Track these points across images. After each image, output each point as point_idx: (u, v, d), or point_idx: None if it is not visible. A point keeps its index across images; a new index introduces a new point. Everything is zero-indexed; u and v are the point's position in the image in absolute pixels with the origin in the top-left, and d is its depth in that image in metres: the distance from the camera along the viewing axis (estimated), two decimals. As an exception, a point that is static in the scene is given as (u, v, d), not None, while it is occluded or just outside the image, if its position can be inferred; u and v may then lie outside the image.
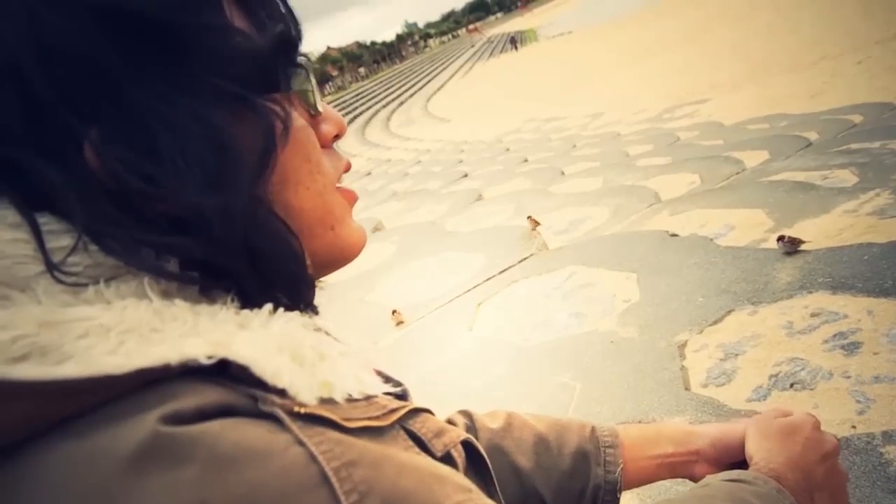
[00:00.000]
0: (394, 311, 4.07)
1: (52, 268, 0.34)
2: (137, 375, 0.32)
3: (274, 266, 0.40)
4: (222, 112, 0.37)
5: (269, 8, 0.42)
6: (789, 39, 13.15)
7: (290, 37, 0.43)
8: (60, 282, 0.34)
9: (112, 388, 0.32)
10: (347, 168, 0.49)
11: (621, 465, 0.70)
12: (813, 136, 6.19)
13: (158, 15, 0.36)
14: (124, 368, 0.32)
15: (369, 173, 15.51)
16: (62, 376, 0.31)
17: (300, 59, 0.44)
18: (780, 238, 3.01)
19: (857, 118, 6.66)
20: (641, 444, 0.72)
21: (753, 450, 0.68)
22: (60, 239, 0.35)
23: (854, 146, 5.10)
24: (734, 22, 18.22)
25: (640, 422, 0.76)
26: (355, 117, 33.44)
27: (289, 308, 0.40)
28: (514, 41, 44.99)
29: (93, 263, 0.36)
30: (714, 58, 14.53)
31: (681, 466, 0.71)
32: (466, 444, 0.48)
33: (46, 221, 0.35)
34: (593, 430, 0.73)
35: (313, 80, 0.45)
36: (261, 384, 0.34)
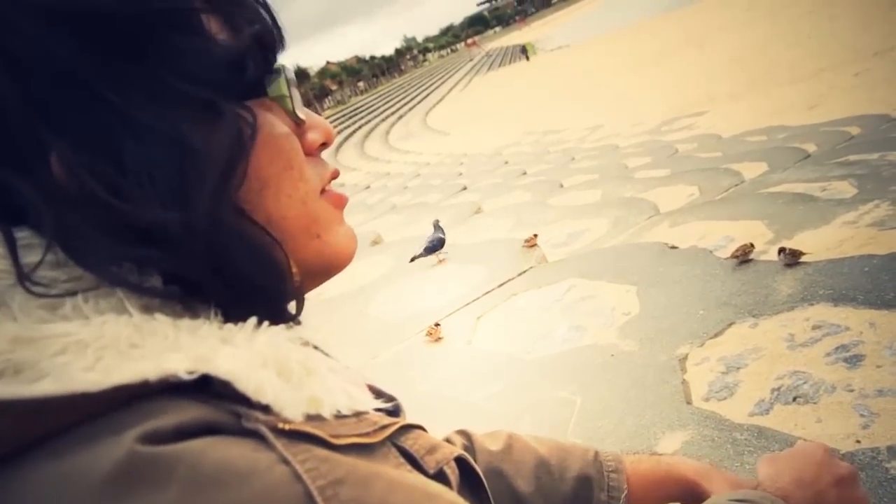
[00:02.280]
0: (436, 325, 3.67)
1: (23, 279, 0.33)
2: (115, 393, 0.31)
3: (252, 278, 0.39)
4: (191, 119, 0.36)
5: (247, 13, 0.41)
6: (787, 51, 13.24)
7: (265, 42, 0.42)
8: (34, 294, 0.33)
9: (89, 407, 0.31)
10: (334, 176, 0.48)
11: (625, 492, 0.68)
12: (811, 147, 6.20)
13: (128, 19, 0.35)
14: (101, 385, 0.31)
15: (368, 187, 15.53)
16: (37, 394, 0.30)
17: (278, 66, 0.43)
18: (781, 250, 3.00)
19: (854, 130, 6.68)
20: (648, 483, 0.70)
21: (762, 476, 0.66)
22: (37, 252, 0.34)
23: (852, 158, 5.11)
24: (732, 34, 18.35)
25: (652, 452, 0.74)
26: (354, 131, 33.55)
27: (274, 322, 0.39)
28: (524, 51, 50.52)
29: (70, 277, 0.35)
30: (712, 70, 14.62)
31: None
32: (460, 461, 0.47)
33: (25, 236, 0.35)
34: (596, 454, 0.71)
35: (292, 87, 0.43)
36: (244, 400, 0.33)
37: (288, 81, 0.42)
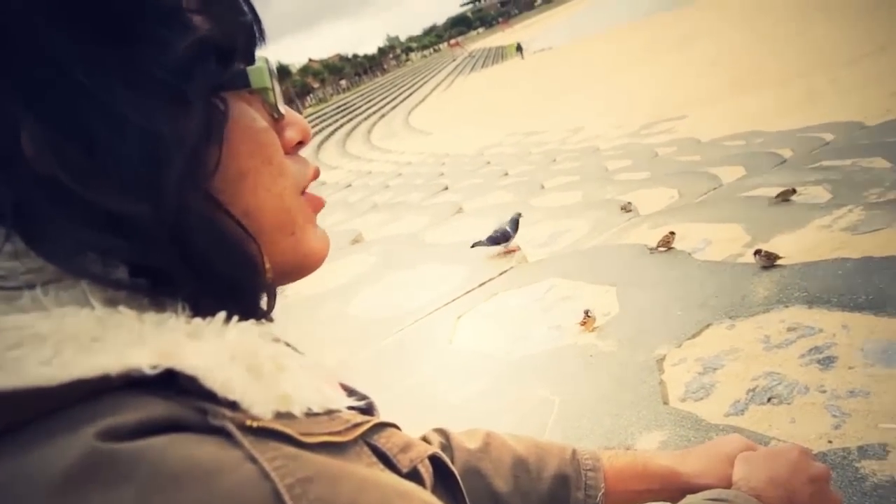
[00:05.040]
0: (587, 313, 3.16)
1: None
2: (73, 387, 0.30)
3: (223, 270, 0.38)
4: (164, 107, 0.35)
5: (227, 3, 0.40)
6: (764, 58, 13.46)
7: (245, 33, 0.42)
8: None
9: (46, 402, 0.30)
10: (316, 175, 0.48)
11: (602, 490, 0.69)
12: (787, 153, 6.31)
13: (108, 3, 0.34)
14: (58, 380, 0.29)
15: (350, 185, 15.46)
16: None
17: (260, 58, 0.43)
18: (757, 252, 3.05)
19: (829, 136, 6.81)
20: (627, 478, 0.71)
21: (737, 475, 0.67)
22: None
23: (826, 163, 5.20)
24: (712, 39, 18.60)
25: (627, 448, 0.75)
26: (336, 129, 33.39)
27: (244, 317, 0.38)
28: (520, 49, 50.44)
29: (29, 269, 0.33)
30: (692, 74, 14.81)
31: (665, 499, 0.71)
32: (435, 460, 0.47)
33: None
34: (574, 453, 0.71)
35: (274, 80, 0.43)
36: (211, 397, 0.32)
37: (270, 74, 0.42)
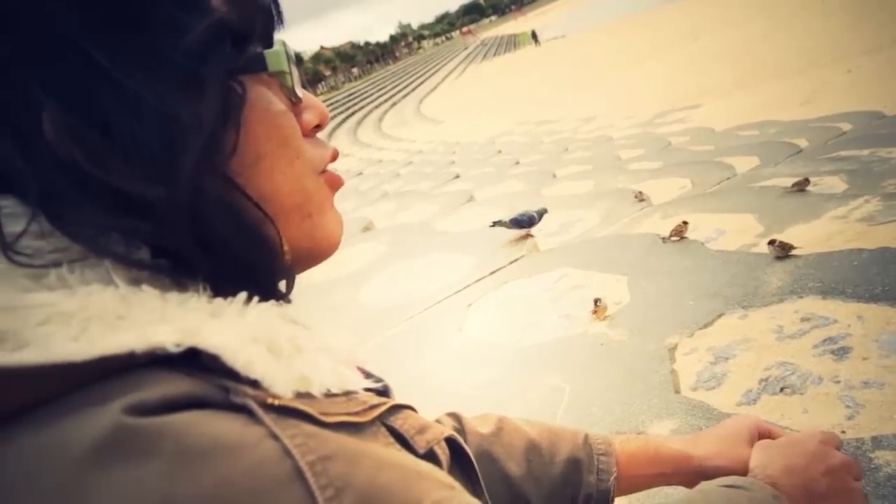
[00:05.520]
0: (597, 302, 3.11)
1: (5, 248, 0.33)
2: (100, 363, 0.30)
3: (241, 252, 0.39)
4: (181, 90, 0.36)
5: None
6: (780, 48, 13.27)
7: (265, 15, 0.42)
8: (17, 264, 0.33)
9: (73, 377, 0.30)
10: (334, 156, 0.48)
11: (615, 474, 0.69)
12: (803, 142, 6.23)
13: None
14: (86, 355, 0.30)
15: (361, 173, 15.46)
16: (19, 363, 0.29)
17: (278, 41, 0.43)
18: (772, 242, 3.02)
19: (846, 126, 6.71)
20: (639, 462, 0.71)
21: (754, 463, 0.67)
22: (20, 222, 0.34)
23: (843, 153, 5.13)
24: (725, 30, 18.36)
25: (639, 433, 0.75)
26: (347, 117, 33.36)
27: (264, 298, 0.38)
28: (535, 36, 50.23)
29: (56, 248, 0.34)
30: (706, 64, 14.64)
31: (678, 483, 0.71)
32: (451, 442, 0.47)
33: (8, 204, 0.34)
34: (586, 437, 0.71)
35: (292, 64, 0.43)
36: (233, 375, 0.33)
37: (288, 57, 0.42)
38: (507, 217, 4.68)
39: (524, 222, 4.56)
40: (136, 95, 0.34)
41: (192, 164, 0.35)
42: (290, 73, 0.43)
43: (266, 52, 0.41)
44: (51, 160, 0.34)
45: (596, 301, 3.10)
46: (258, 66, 0.41)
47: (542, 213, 4.70)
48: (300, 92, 0.44)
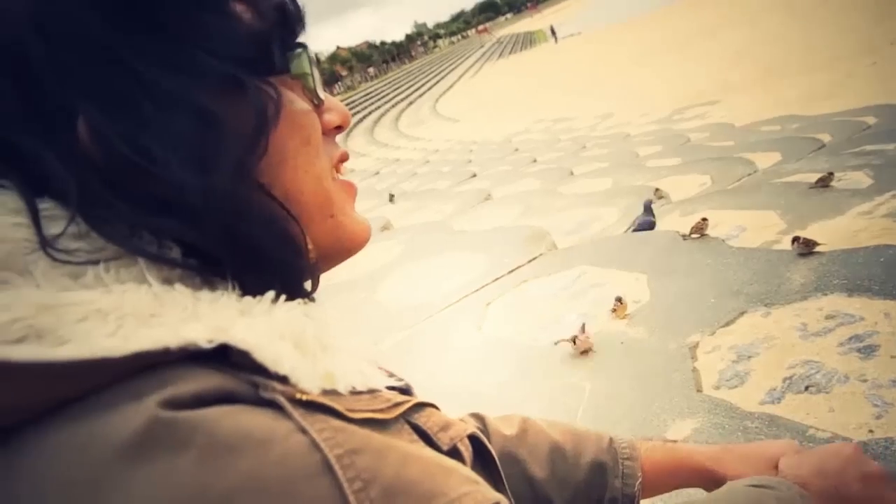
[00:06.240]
0: (619, 300, 3.06)
1: (46, 246, 0.34)
2: (135, 359, 0.31)
3: (268, 251, 0.40)
4: (214, 92, 0.37)
5: None
6: (801, 42, 13.07)
7: (287, 19, 0.43)
8: (57, 262, 0.34)
9: (110, 372, 0.31)
10: (344, 158, 0.49)
11: (640, 479, 0.68)
12: (826, 137, 6.14)
13: None
14: (122, 351, 0.31)
15: (377, 173, 15.51)
16: (59, 358, 0.30)
17: (301, 44, 0.44)
18: (795, 239, 2.97)
19: (870, 120, 6.60)
20: (663, 472, 0.70)
21: (783, 465, 0.66)
22: (60, 224, 0.35)
23: (868, 148, 5.04)
24: (746, 24, 18.12)
25: (663, 439, 0.74)
26: (364, 117, 33.50)
27: (290, 297, 0.39)
28: (553, 33, 49.77)
29: (93, 248, 0.35)
30: (725, 59, 14.46)
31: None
32: (473, 440, 0.47)
33: (48, 207, 0.35)
34: (611, 441, 0.71)
35: (314, 66, 0.44)
36: (262, 371, 0.33)
37: (310, 60, 0.44)
38: (630, 229, 4.38)
39: (644, 227, 4.26)
40: (173, 98, 0.36)
41: (229, 165, 0.37)
42: (312, 76, 0.44)
43: (290, 54, 0.43)
44: (85, 162, 0.35)
45: (618, 299, 3.06)
46: (282, 68, 0.42)
47: (648, 205, 4.34)
48: (322, 94, 0.45)
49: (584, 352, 2.84)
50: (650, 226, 4.26)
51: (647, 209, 4.34)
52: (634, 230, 4.28)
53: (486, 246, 5.01)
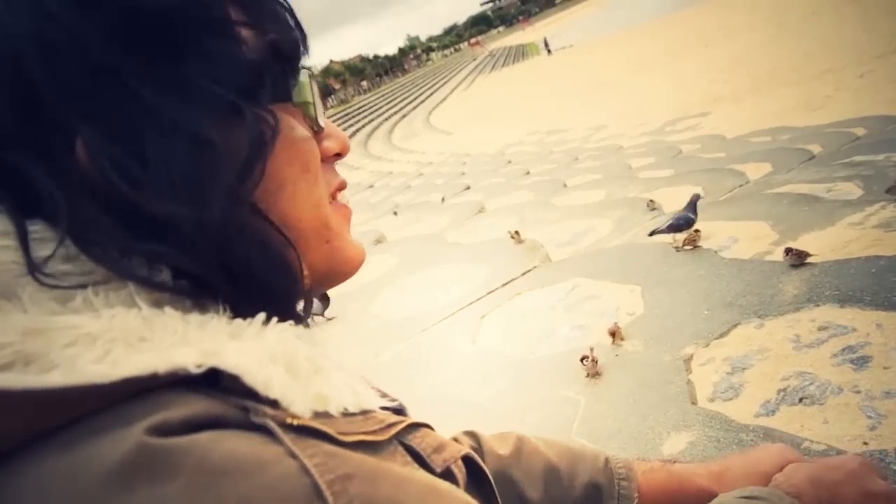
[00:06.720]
0: (615, 334, 2.99)
1: (34, 270, 0.33)
2: (124, 385, 0.31)
3: (262, 277, 0.39)
4: (214, 118, 0.37)
5: (274, 19, 0.42)
6: (791, 53, 13.19)
7: (290, 48, 0.43)
8: (45, 286, 0.33)
9: (98, 399, 0.31)
10: (342, 186, 0.49)
11: (636, 500, 0.67)
12: (816, 148, 6.18)
13: (160, 17, 0.36)
14: (110, 377, 0.31)
15: (371, 186, 15.52)
16: (46, 385, 0.30)
17: (304, 72, 0.44)
18: (788, 250, 2.99)
19: (860, 131, 6.65)
20: (660, 495, 0.69)
21: (780, 475, 0.65)
22: (49, 246, 0.34)
23: (858, 159, 5.09)
24: (736, 36, 18.29)
25: (663, 462, 0.73)
26: (357, 130, 33.55)
27: (282, 319, 0.39)
28: (546, 45, 49.78)
29: (82, 272, 0.35)
30: (716, 71, 14.58)
31: None
32: (468, 461, 0.47)
33: (38, 229, 0.35)
34: (607, 461, 0.70)
35: (315, 94, 0.44)
36: (252, 395, 0.33)
37: (312, 89, 0.44)
38: (663, 224, 4.09)
39: (683, 224, 3.97)
40: (172, 122, 0.35)
41: (225, 190, 0.36)
42: (314, 104, 0.44)
43: (292, 82, 0.43)
44: (80, 184, 0.35)
45: (613, 333, 2.96)
46: (284, 96, 0.42)
47: (694, 202, 4.06)
48: (322, 122, 0.45)
49: (593, 375, 2.77)
50: (687, 222, 3.94)
51: (692, 206, 4.01)
52: (669, 225, 3.99)
53: (480, 258, 5.02)
